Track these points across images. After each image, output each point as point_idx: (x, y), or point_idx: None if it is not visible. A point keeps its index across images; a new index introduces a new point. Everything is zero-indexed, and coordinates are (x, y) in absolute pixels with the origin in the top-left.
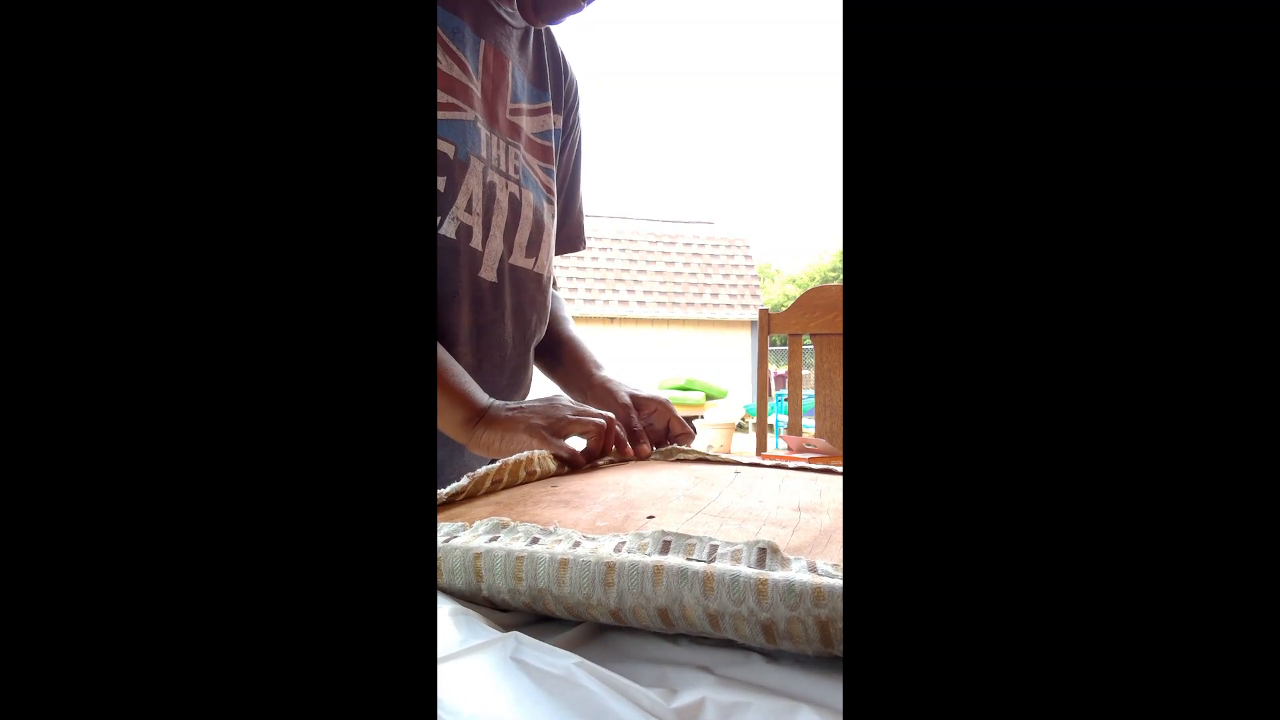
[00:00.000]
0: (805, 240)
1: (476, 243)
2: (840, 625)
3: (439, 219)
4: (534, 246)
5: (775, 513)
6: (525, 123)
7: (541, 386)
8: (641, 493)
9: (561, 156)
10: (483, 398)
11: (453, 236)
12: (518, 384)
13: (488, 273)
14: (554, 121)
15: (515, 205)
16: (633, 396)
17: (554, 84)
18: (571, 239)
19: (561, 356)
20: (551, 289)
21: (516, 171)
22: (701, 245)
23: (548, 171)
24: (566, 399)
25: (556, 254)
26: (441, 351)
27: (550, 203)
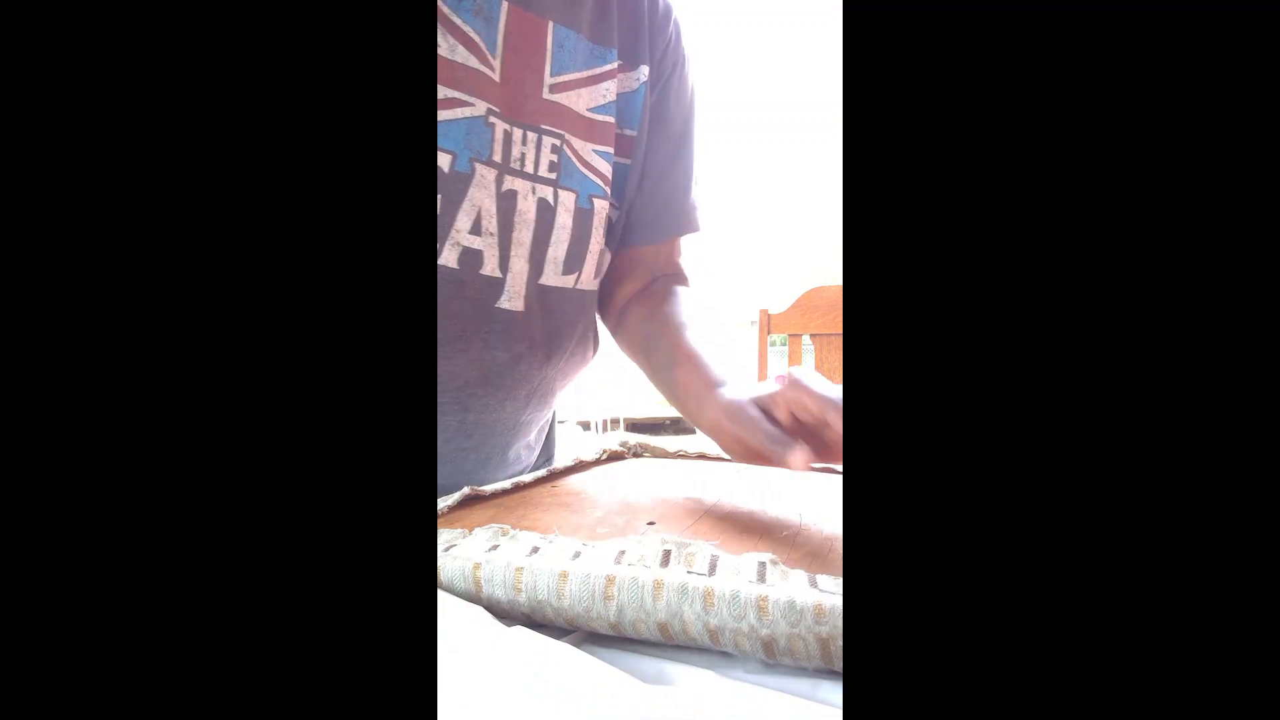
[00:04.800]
0: (805, 240)
1: (491, 269)
2: (841, 643)
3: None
4: (575, 260)
5: (778, 518)
6: (574, 99)
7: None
8: (643, 495)
9: (655, 111)
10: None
11: (454, 266)
12: (541, 408)
13: (511, 301)
14: (626, 83)
15: (546, 213)
16: (759, 401)
17: (629, 31)
18: (678, 221)
19: (676, 371)
20: (680, 290)
21: (552, 169)
22: (703, 244)
23: (605, 155)
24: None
25: (662, 239)
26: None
27: (605, 197)
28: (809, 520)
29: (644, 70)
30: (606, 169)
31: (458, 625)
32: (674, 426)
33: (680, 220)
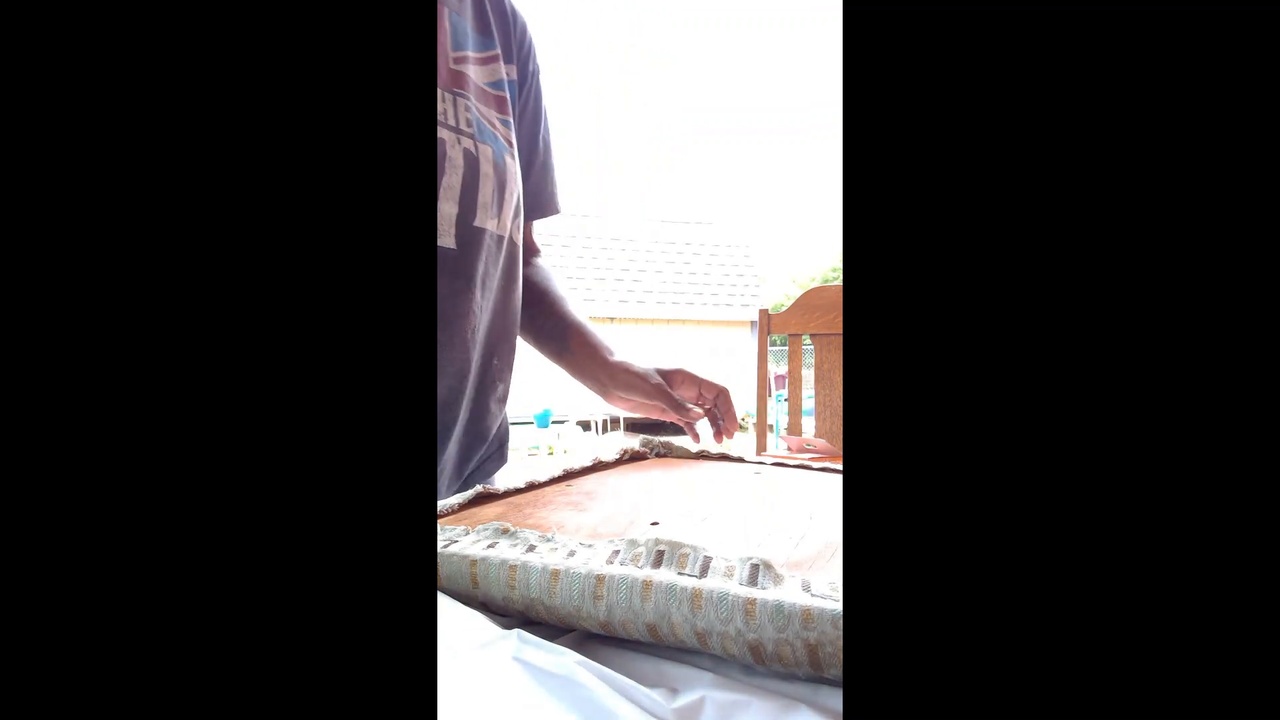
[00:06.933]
0: (806, 241)
1: None
2: (830, 650)
3: None
4: (497, 206)
5: (785, 519)
6: (473, 72)
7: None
8: (654, 495)
9: (523, 109)
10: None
11: None
12: (505, 364)
13: (444, 239)
14: (506, 71)
15: (471, 162)
16: (660, 372)
17: (501, 31)
18: (543, 203)
19: (570, 342)
20: (539, 261)
21: (469, 125)
22: (702, 245)
23: (506, 123)
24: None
25: (527, 219)
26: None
27: (513, 158)
28: (818, 524)
29: (512, 69)
30: (510, 135)
31: (457, 627)
32: (675, 426)
33: (543, 205)
